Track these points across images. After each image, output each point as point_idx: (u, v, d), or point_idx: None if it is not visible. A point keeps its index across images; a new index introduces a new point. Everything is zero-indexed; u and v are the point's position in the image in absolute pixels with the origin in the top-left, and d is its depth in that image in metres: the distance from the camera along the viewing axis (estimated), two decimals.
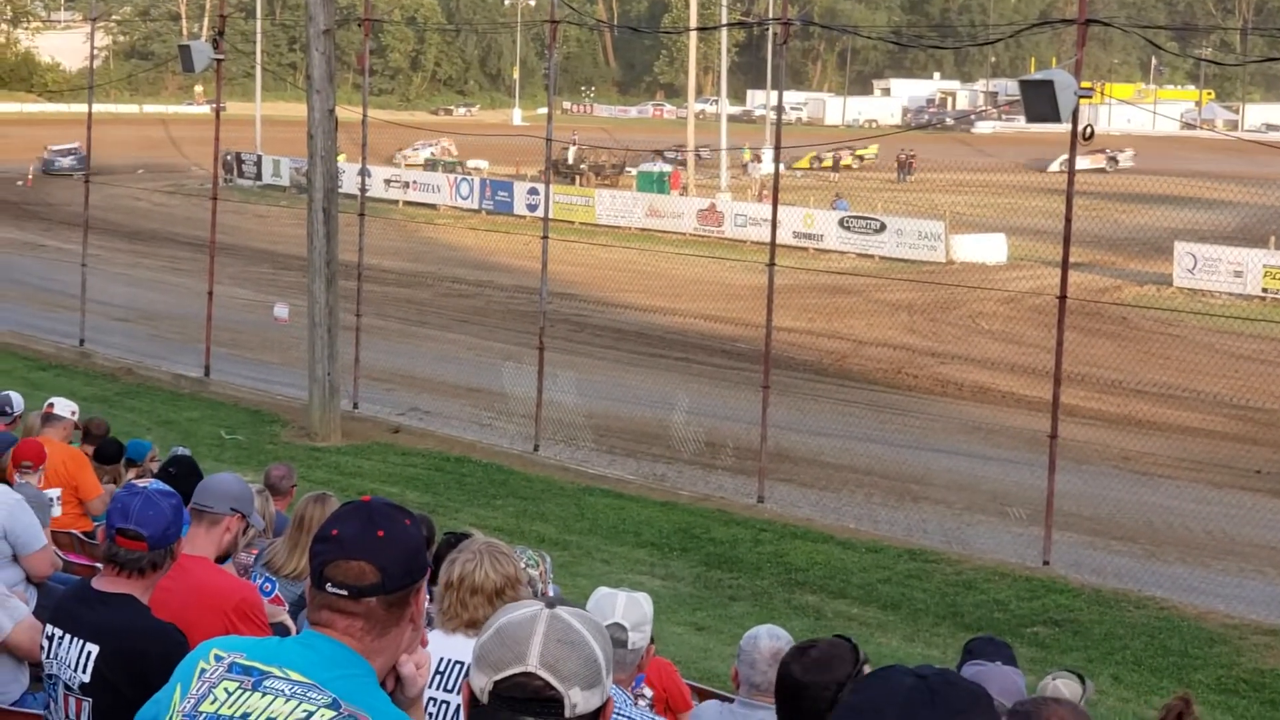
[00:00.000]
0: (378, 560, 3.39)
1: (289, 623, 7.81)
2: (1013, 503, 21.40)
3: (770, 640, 6.23)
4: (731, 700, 6.49)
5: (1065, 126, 18.65)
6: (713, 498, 21.62)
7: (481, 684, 2.87)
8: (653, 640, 6.53)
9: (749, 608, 16.43)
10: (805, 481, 23.19)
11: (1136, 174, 71.56)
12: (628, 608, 6.13)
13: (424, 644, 3.60)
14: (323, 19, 24.65)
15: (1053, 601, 16.99)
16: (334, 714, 3.26)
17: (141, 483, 5.86)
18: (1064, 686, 8.11)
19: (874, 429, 27.00)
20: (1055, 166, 64.11)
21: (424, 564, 3.52)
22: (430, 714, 5.05)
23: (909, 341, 36.94)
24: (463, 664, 5.28)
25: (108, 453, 14.60)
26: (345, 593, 3.38)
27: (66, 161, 73.27)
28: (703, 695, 8.38)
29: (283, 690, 3.32)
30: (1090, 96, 18.82)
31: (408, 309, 38.86)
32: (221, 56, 28.65)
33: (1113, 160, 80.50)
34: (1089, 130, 18.41)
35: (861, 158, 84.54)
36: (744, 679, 6.24)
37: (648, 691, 7.34)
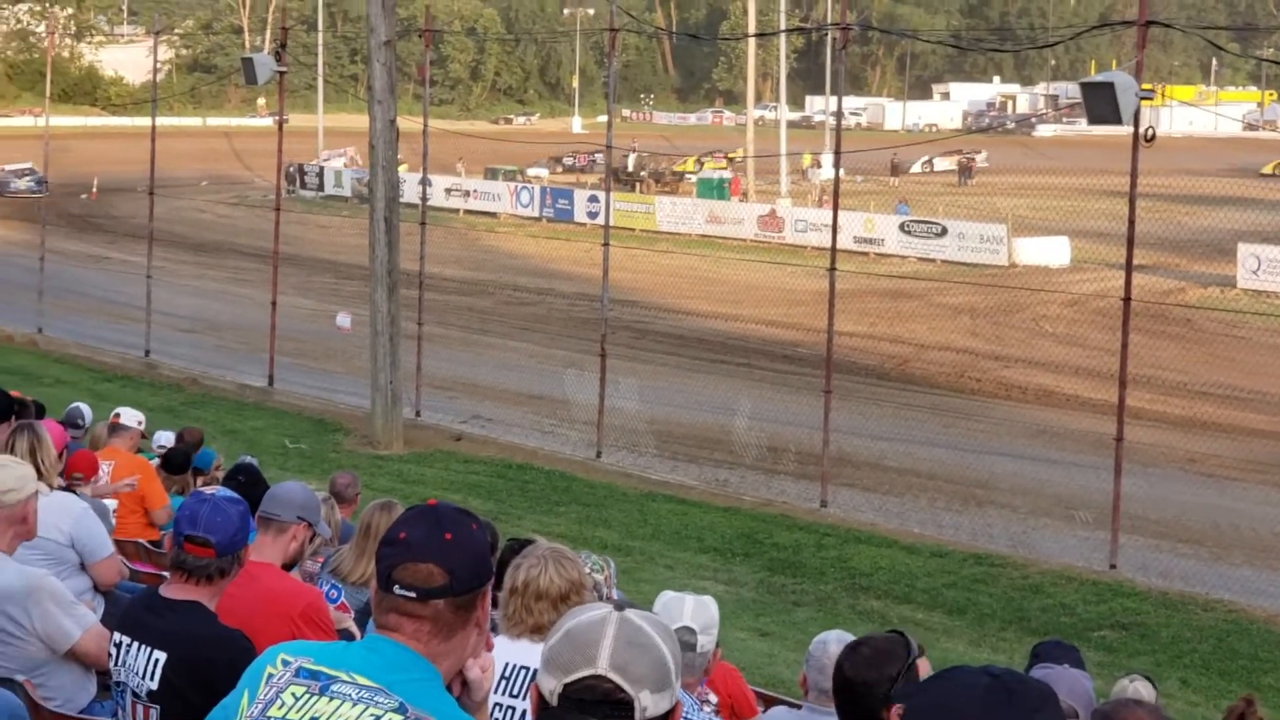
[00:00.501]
0: (446, 563, 3.40)
1: (354, 629, 7.84)
2: (1078, 506, 21.26)
3: (839, 645, 6.19)
4: (799, 706, 6.47)
5: (1126, 129, 18.53)
6: (775, 503, 21.58)
7: (551, 686, 2.87)
8: (719, 644, 6.52)
9: (813, 613, 16.38)
10: (868, 486, 23.12)
11: (1200, 176, 71.04)
12: (696, 611, 6.13)
13: (489, 648, 3.61)
14: (384, 30, 24.77)
15: (1120, 605, 16.87)
16: (400, 718, 3.27)
17: (209, 490, 5.90)
18: (1143, 688, 8.05)
19: (937, 433, 26.90)
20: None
21: (490, 567, 3.53)
22: (496, 719, 5.05)
23: (972, 345, 36.78)
24: (528, 669, 5.29)
25: (176, 462, 14.70)
26: (413, 595, 3.39)
27: (23, 183, 68.44)
28: (767, 701, 8.35)
29: (350, 694, 3.33)
30: (1151, 98, 18.70)
31: (469, 317, 39.00)
32: (284, 69, 28.83)
33: (967, 165, 78.16)
34: (1150, 132, 18.28)
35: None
36: (812, 684, 6.22)
37: (713, 697, 7.31)
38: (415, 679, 3.34)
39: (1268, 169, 73.52)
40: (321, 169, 76.55)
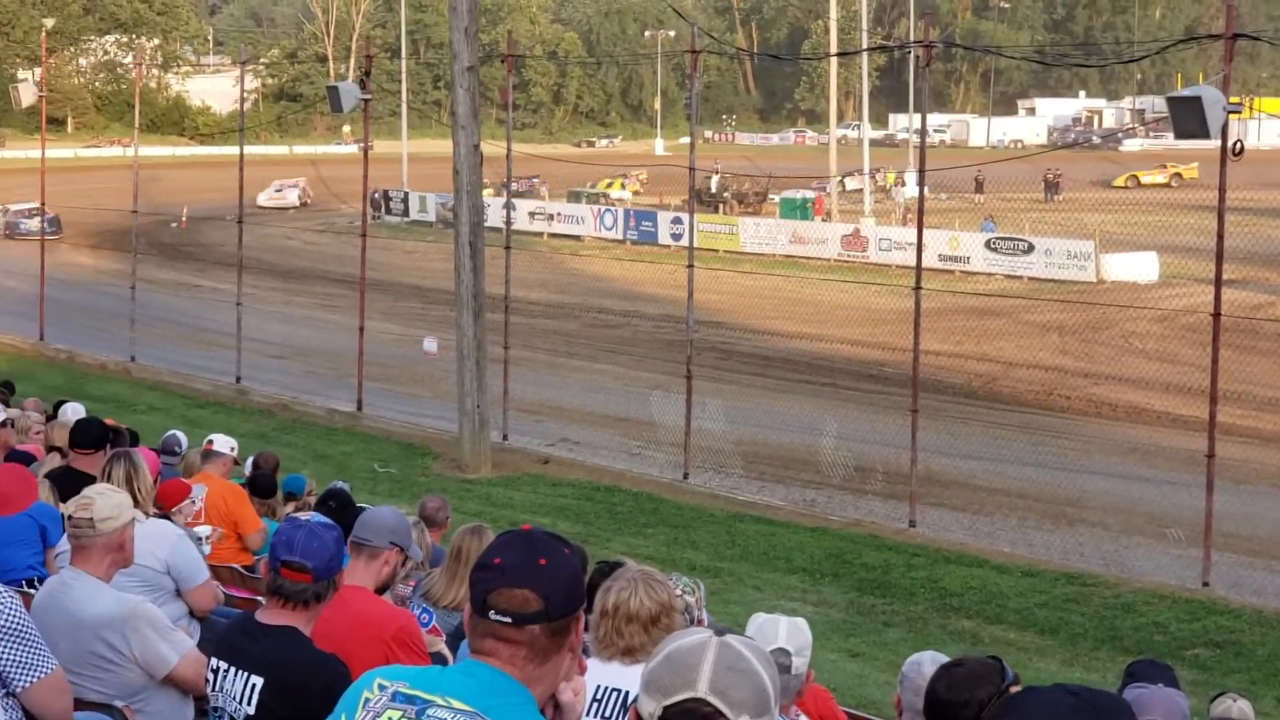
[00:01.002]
0: (541, 588, 3.43)
1: (446, 653, 7.88)
2: (1170, 524, 21.07)
3: (934, 666, 6.18)
4: None
5: (1214, 143, 18.39)
6: (863, 523, 21.52)
7: (650, 709, 2.88)
8: (811, 666, 6.52)
9: (903, 634, 16.32)
10: (957, 505, 23.01)
11: None
12: (790, 633, 6.13)
13: (582, 671, 3.63)
14: (467, 56, 24.94)
15: (1213, 623, 16.70)
16: None
17: (304, 516, 5.95)
18: (1246, 707, 7.94)
19: (1026, 451, 26.73)
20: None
21: (583, 592, 3.55)
22: None
23: (1060, 363, 36.53)
24: (619, 691, 5.31)
25: (263, 487, 14.84)
26: (509, 620, 3.42)
27: (33, 224, 61.20)
28: None
29: (445, 718, 3.36)
30: (1239, 111, 18.55)
31: (555, 340, 39.10)
32: (368, 96, 29.07)
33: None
34: (1239, 146, 18.14)
35: (1180, 175, 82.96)
36: (907, 705, 6.22)
37: (803, 719, 7.31)
38: (510, 703, 3.37)
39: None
40: (406, 195, 77.01)
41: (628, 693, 5.29)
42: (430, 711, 3.38)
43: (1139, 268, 49.85)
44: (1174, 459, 25.06)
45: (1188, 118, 17.82)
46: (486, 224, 26.46)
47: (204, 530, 11.99)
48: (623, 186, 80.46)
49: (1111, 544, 20.80)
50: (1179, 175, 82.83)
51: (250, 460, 15.83)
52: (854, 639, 16.06)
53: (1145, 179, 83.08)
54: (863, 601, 17.70)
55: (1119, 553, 20.24)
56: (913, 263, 23.24)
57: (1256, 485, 23.72)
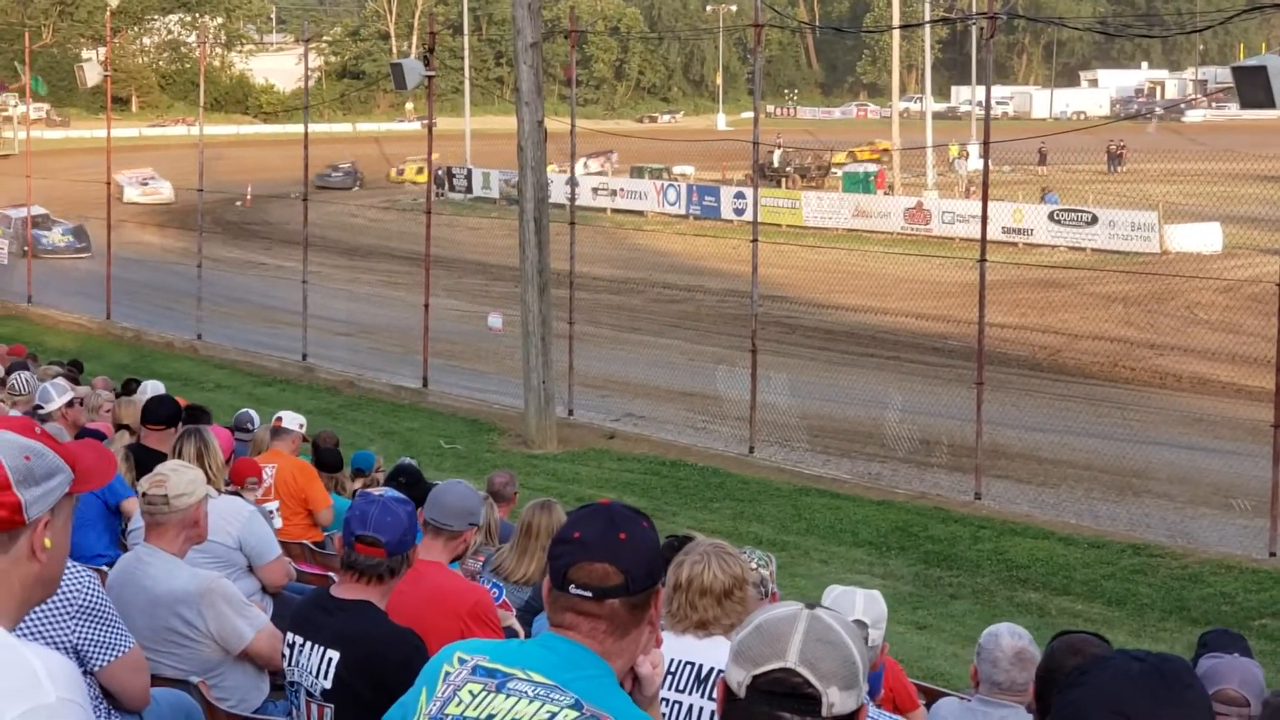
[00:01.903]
0: (621, 562, 3.46)
1: (518, 627, 7.94)
2: (1237, 494, 20.97)
3: (1012, 639, 6.22)
4: (968, 699, 6.49)
5: (1279, 113, 18.25)
6: (929, 495, 21.50)
7: (740, 678, 2.91)
8: (885, 639, 6.57)
9: (970, 605, 16.33)
10: (1022, 478, 22.94)
11: None
12: (867, 605, 6.19)
13: (659, 644, 3.66)
14: (530, 32, 24.98)
15: None
16: (577, 714, 3.33)
17: (376, 491, 6.02)
18: None
19: (1091, 423, 26.61)
20: None
21: (662, 566, 3.59)
22: (663, 714, 5.12)
23: (1125, 334, 36.30)
24: (693, 664, 5.35)
25: (329, 462, 14.95)
26: (589, 594, 3.45)
27: (58, 239, 53.82)
28: (926, 694, 8.38)
29: (526, 692, 3.40)
30: None
31: (619, 315, 39.14)
32: (432, 73, 29.17)
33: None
34: None
35: (887, 152, 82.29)
36: (984, 677, 6.24)
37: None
38: (590, 676, 3.41)
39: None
40: (470, 171, 77.18)
41: (701, 665, 5.33)
42: (511, 684, 3.42)
43: (1203, 238, 49.48)
44: (1239, 429, 24.90)
45: (1253, 87, 17.71)
46: (550, 200, 26.51)
47: (272, 505, 12.13)
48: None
49: (1177, 515, 20.71)
50: (886, 151, 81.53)
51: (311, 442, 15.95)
52: (920, 611, 16.07)
53: (860, 157, 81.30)
54: (929, 574, 17.71)
55: (1185, 524, 20.16)
56: (976, 235, 23.18)
57: None
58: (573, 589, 3.46)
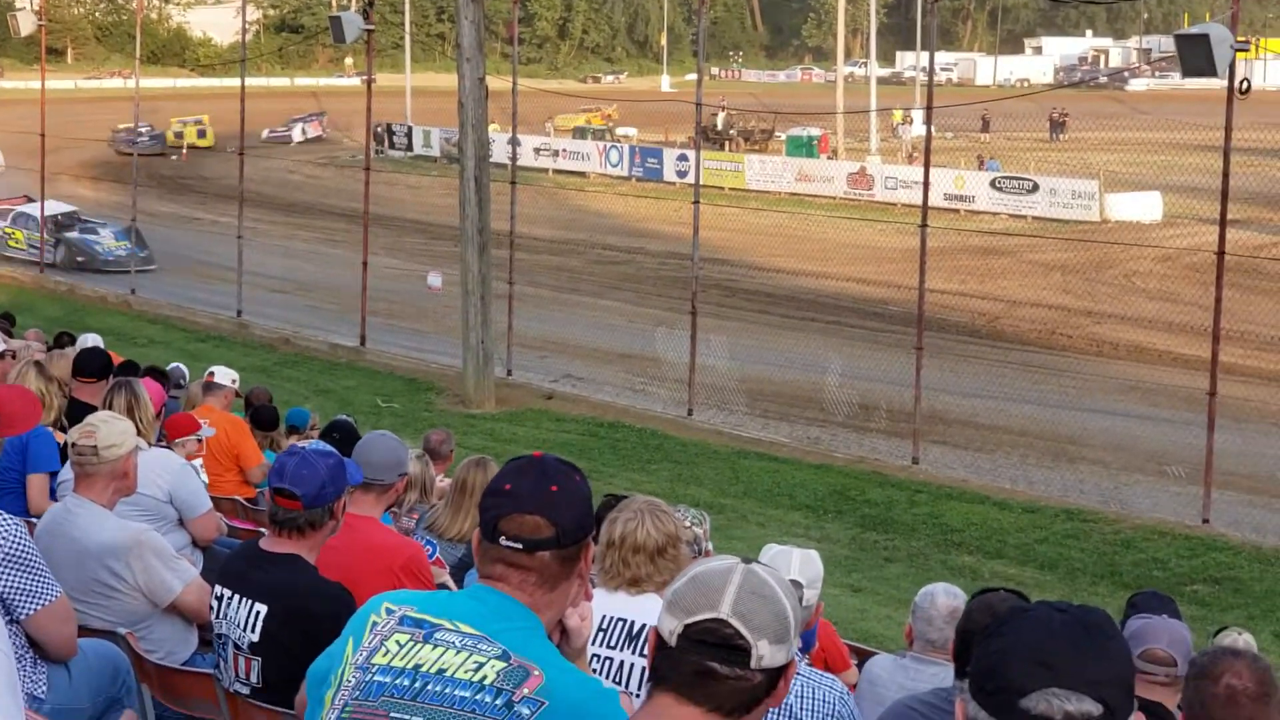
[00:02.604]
0: (552, 515, 3.44)
1: (451, 585, 7.91)
2: (1171, 461, 21.14)
3: (947, 598, 6.25)
4: (902, 657, 6.50)
5: (1220, 82, 18.31)
6: (867, 460, 21.57)
7: (672, 626, 2.92)
8: (820, 599, 6.57)
9: (905, 569, 16.40)
10: (959, 443, 23.05)
11: None
12: (803, 565, 6.17)
13: (588, 597, 3.64)
14: None
15: (1212, 559, 16.80)
16: (504, 665, 3.31)
17: (302, 443, 5.96)
18: (1251, 640, 8.00)
19: (1028, 390, 26.76)
20: None
21: (593, 519, 3.56)
22: (594, 669, 5.09)
23: (1063, 301, 36.48)
24: (625, 621, 5.32)
25: (264, 419, 14.85)
26: (520, 546, 3.43)
27: (112, 242, 41.84)
28: (859, 655, 8.39)
29: (453, 642, 3.37)
30: (1246, 50, 18.48)
31: (560, 276, 39.06)
32: (371, 27, 28.94)
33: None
34: (1245, 85, 18.07)
35: (610, 117, 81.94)
36: (918, 635, 6.27)
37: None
38: (518, 628, 3.38)
39: None
40: (410, 129, 76.77)
41: (633, 622, 5.31)
42: (438, 635, 3.39)
43: (1143, 207, 49.75)
44: (1175, 397, 25.08)
45: (1195, 56, 17.75)
46: (492, 159, 26.38)
47: (195, 464, 12.01)
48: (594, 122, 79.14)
49: (1111, 481, 20.87)
50: (610, 117, 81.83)
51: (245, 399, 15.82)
52: (856, 574, 16.13)
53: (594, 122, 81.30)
54: (865, 537, 17.77)
55: (1119, 490, 20.32)
56: (918, 201, 23.21)
57: (1257, 424, 23.74)
58: (503, 540, 3.43)
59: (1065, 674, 2.39)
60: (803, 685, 5.20)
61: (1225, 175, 18.63)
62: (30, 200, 43.52)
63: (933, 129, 25.03)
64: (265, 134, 76.29)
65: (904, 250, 28.51)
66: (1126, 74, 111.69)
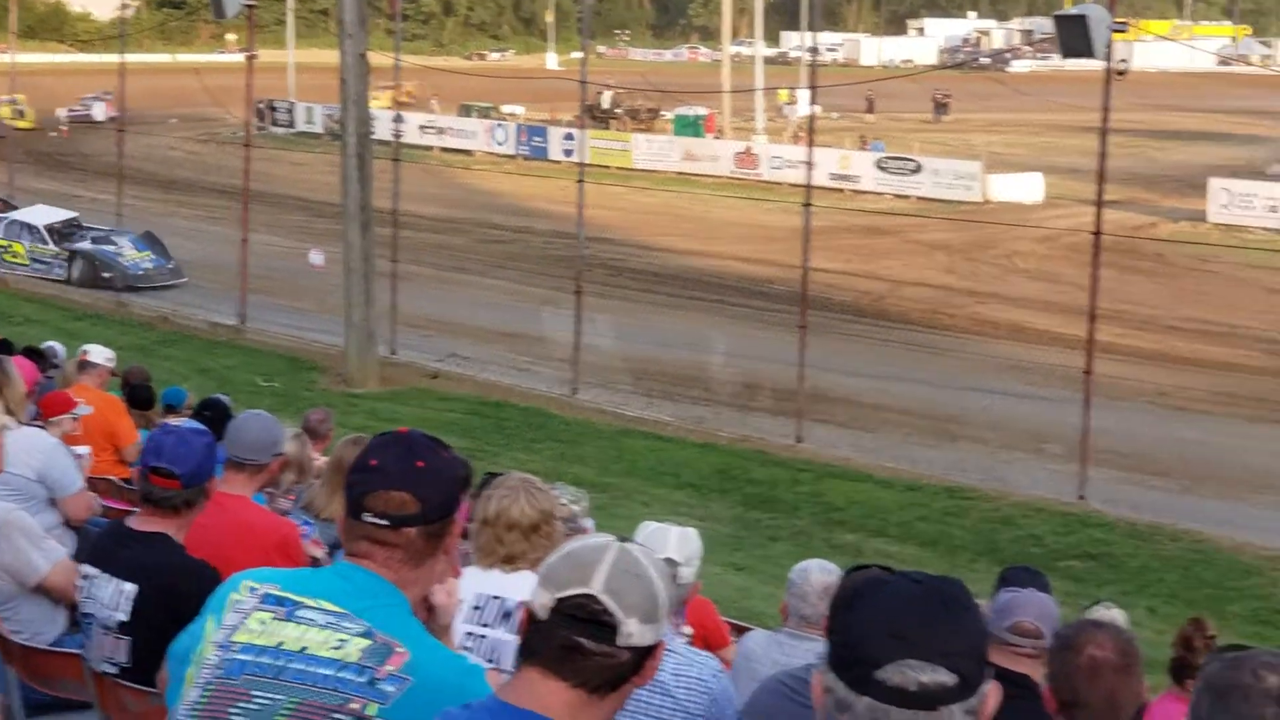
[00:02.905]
0: (418, 491, 3.40)
1: (327, 564, 7.83)
2: (1049, 439, 21.40)
3: (821, 574, 6.26)
4: (777, 632, 6.51)
5: (1100, 64, 18.52)
6: (751, 438, 21.67)
7: (544, 600, 2.91)
8: (699, 578, 6.56)
9: (788, 547, 16.48)
10: (843, 422, 23.21)
11: (1173, 112, 71.11)
12: (680, 543, 6.16)
13: (456, 574, 3.61)
14: None
15: (1088, 536, 17.05)
16: (368, 643, 3.28)
17: (175, 422, 5.89)
18: (1118, 615, 8.14)
19: (911, 369, 26.98)
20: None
21: (460, 495, 3.52)
22: (467, 649, 5.06)
23: (946, 281, 36.81)
24: (500, 599, 5.29)
25: (140, 398, 14.65)
26: (385, 523, 3.39)
27: (145, 262, 35.85)
28: (741, 633, 8.40)
29: (316, 620, 3.34)
30: (1124, 31, 18.71)
31: (445, 255, 38.86)
32: (253, 2, 28.62)
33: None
34: (1123, 65, 18.30)
35: (411, 94, 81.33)
36: (793, 610, 6.28)
37: (687, 629, 7.35)
38: (383, 605, 3.35)
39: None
40: (292, 105, 76.07)
41: (507, 600, 5.27)
42: (300, 613, 3.35)
43: (1024, 188, 50.25)
44: (1053, 376, 25.40)
45: (1074, 36, 17.95)
46: (376, 137, 26.19)
47: (83, 449, 11.82)
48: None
49: (991, 459, 21.12)
50: (410, 94, 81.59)
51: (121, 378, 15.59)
52: (739, 553, 16.19)
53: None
54: (749, 516, 17.85)
55: (998, 468, 20.56)
56: (804, 181, 23.29)
57: (1134, 402, 24.09)
58: (368, 517, 3.39)
59: (919, 645, 2.40)
60: (677, 664, 5.19)
61: (1102, 156, 18.86)
62: (11, 206, 38.98)
63: (819, 109, 25.13)
64: (64, 112, 74.35)
65: (789, 229, 28.62)
66: (1008, 55, 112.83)
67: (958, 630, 2.45)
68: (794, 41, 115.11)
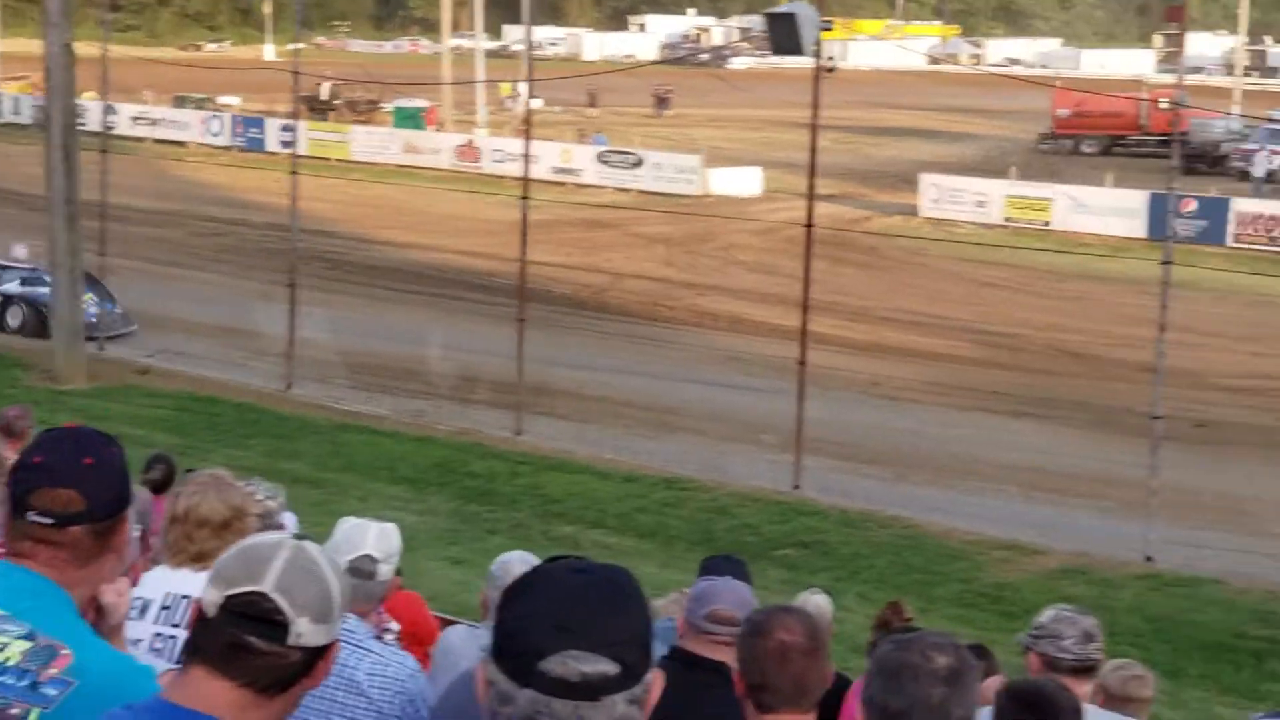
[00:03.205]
0: (85, 488, 3.30)
1: None
2: (765, 430, 21.74)
3: (522, 566, 6.21)
4: (477, 626, 6.49)
5: (811, 61, 18.87)
6: (470, 432, 21.64)
7: (213, 598, 2.85)
8: (399, 573, 6.49)
9: (507, 540, 16.43)
10: (564, 414, 23.29)
11: (886, 109, 72.77)
12: (379, 539, 6.08)
13: (135, 576, 3.52)
14: None
15: (802, 524, 17.37)
16: (29, 645, 3.16)
17: None
18: (822, 601, 8.33)
19: (632, 361, 27.19)
20: None
21: (130, 492, 3.43)
22: (157, 649, 4.94)
23: (666, 274, 37.17)
24: (189, 598, 5.18)
25: None
26: (50, 521, 3.28)
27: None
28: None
29: None
30: (830, 29, 19.10)
31: (158, 248, 37.99)
32: None
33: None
34: (830, 64, 18.69)
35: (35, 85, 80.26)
36: (493, 604, 6.23)
37: (394, 625, 7.29)
38: (45, 606, 3.24)
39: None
40: None
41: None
42: None
43: (743, 182, 50.98)
44: (770, 367, 25.80)
45: (784, 35, 18.28)
46: (86, 128, 25.54)
47: None
48: None
49: (710, 450, 21.37)
50: (36, 85, 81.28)
51: None
52: (456, 547, 16.16)
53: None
54: (467, 510, 17.83)
55: (716, 458, 20.82)
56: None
57: (846, 391, 24.60)
58: (32, 515, 3.28)
59: (583, 635, 2.39)
60: (373, 664, 5.14)
61: (813, 151, 19.26)
62: None
63: (540, 103, 25.18)
64: None
65: (510, 223, 28.57)
66: (727, 52, 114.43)
67: (622, 619, 2.45)
68: (516, 35, 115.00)
